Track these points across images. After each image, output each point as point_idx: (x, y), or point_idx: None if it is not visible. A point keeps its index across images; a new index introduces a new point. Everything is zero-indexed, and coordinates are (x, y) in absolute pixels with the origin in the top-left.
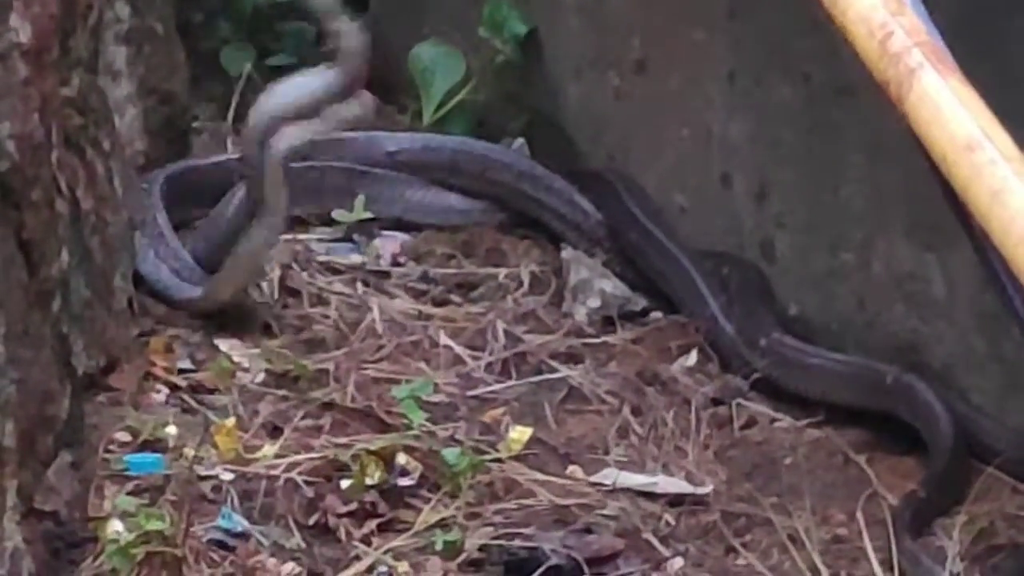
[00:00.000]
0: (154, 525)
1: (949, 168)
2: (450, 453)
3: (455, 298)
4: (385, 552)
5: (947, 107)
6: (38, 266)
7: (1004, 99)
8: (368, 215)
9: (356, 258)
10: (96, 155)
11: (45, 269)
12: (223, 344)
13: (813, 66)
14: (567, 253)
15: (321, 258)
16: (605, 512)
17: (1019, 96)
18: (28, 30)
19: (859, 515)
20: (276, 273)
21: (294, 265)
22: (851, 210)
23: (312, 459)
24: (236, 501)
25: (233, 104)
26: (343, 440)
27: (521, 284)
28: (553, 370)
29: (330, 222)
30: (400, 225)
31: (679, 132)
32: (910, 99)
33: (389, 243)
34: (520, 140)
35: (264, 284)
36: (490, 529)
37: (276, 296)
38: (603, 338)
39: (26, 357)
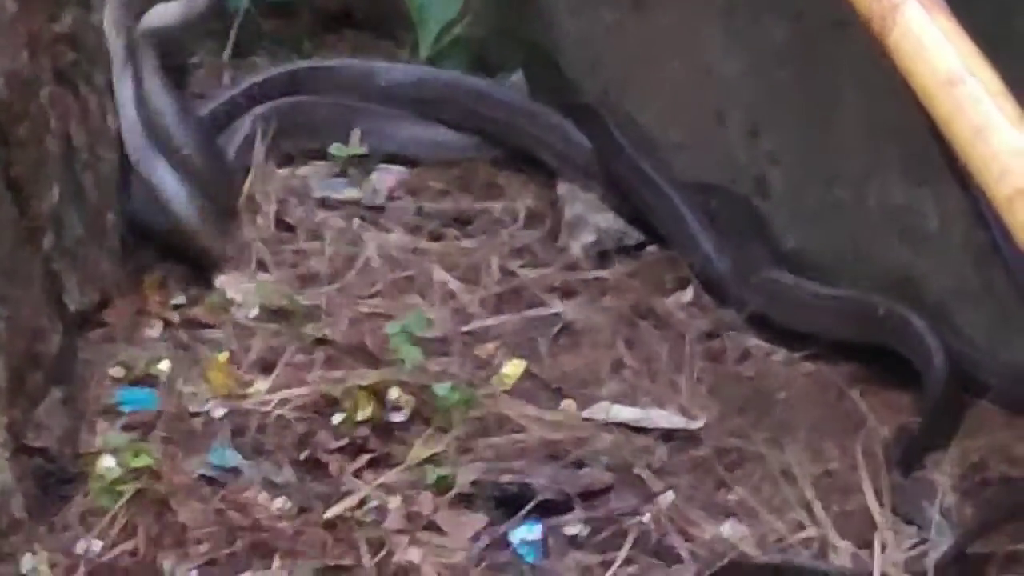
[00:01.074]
0: (141, 461)
1: (931, 103)
2: (442, 388)
3: (451, 232)
4: (376, 487)
5: (930, 42)
6: (28, 203)
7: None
8: (363, 150)
9: (351, 193)
10: (89, 91)
11: (35, 206)
12: (217, 280)
13: (806, 3)
14: (563, 188)
15: (316, 193)
16: (597, 447)
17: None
18: None
19: (852, 449)
20: (272, 208)
21: (289, 199)
22: (845, 146)
23: (304, 395)
24: (228, 437)
25: (231, 39)
26: (335, 375)
27: (517, 219)
28: (547, 305)
29: (325, 156)
30: (396, 159)
31: (674, 68)
32: (894, 34)
33: (385, 178)
34: (517, 74)
35: (259, 218)
36: (481, 464)
37: (272, 230)
38: (598, 272)
39: (15, 295)
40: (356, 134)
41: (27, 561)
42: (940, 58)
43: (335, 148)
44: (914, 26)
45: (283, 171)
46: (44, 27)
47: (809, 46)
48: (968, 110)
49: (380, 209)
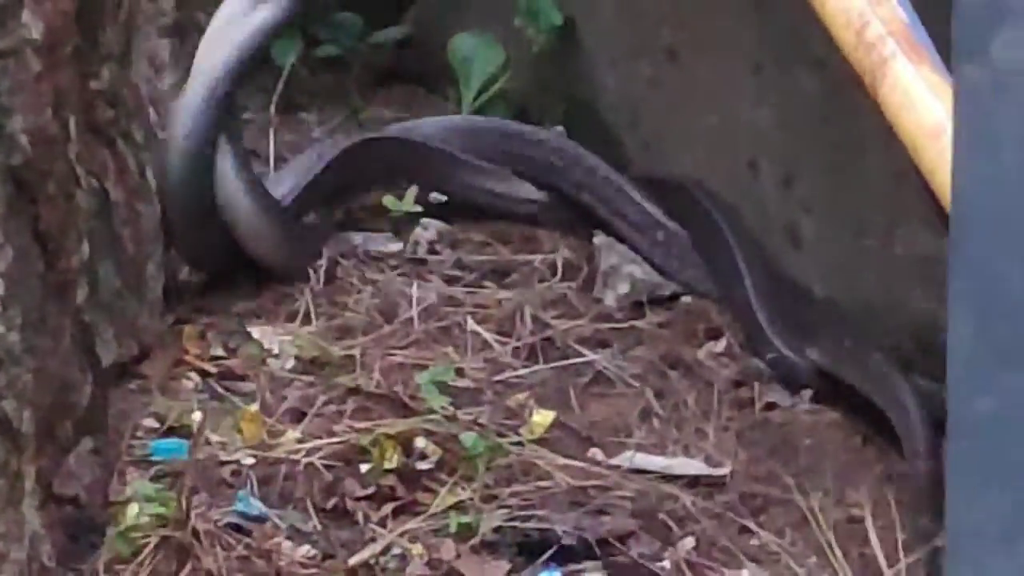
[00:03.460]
0: (167, 509)
1: (918, 155)
2: (468, 436)
3: (488, 284)
4: (400, 534)
5: (916, 95)
6: (56, 257)
7: None
8: (418, 208)
9: (394, 247)
10: (127, 147)
11: (64, 260)
12: (255, 331)
13: (830, 53)
14: (599, 239)
15: (361, 246)
16: (621, 494)
17: None
18: (40, 26)
19: (877, 496)
20: (324, 264)
21: (340, 258)
22: (872, 195)
23: (333, 443)
24: (255, 485)
25: (276, 93)
26: (365, 425)
27: (553, 270)
28: (579, 354)
29: (375, 211)
30: (439, 213)
31: (709, 119)
32: (883, 88)
33: (428, 231)
34: (559, 128)
35: (312, 273)
36: (505, 511)
37: (321, 285)
38: (631, 323)
39: (44, 346)
40: (412, 191)
41: None
42: (926, 110)
43: (389, 201)
44: (901, 80)
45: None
46: (72, 84)
47: (833, 97)
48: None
49: (421, 261)
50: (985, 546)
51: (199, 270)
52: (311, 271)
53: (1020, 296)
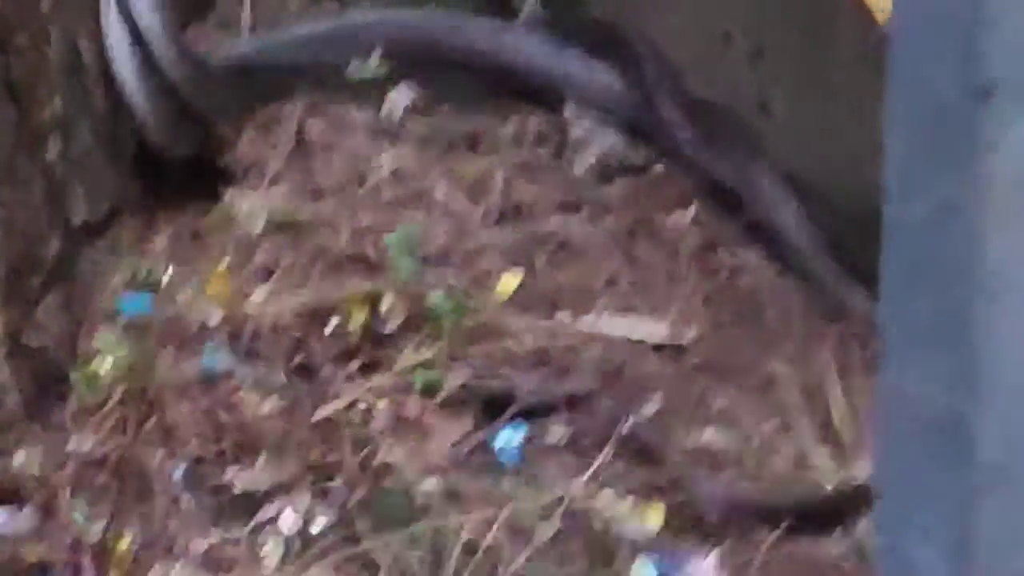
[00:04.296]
0: (122, 351)
1: None
2: (435, 296)
3: (458, 150)
4: (367, 391)
5: None
6: (28, 110)
7: None
8: (383, 71)
9: (368, 113)
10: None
11: (36, 112)
12: (226, 194)
13: None
14: (569, 109)
15: (332, 112)
16: (586, 356)
17: None
18: None
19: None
20: (293, 124)
21: (307, 118)
22: (843, 67)
23: (300, 303)
24: (223, 342)
25: None
26: (332, 285)
27: (524, 138)
28: (547, 221)
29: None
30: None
31: None
32: None
33: (401, 95)
34: (534, 1)
35: (281, 133)
36: (470, 370)
37: (289, 147)
38: (600, 190)
39: (12, 199)
40: (376, 55)
41: (19, 456)
42: None
43: (355, 68)
44: None
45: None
46: None
47: None
48: None
49: (394, 129)
50: (915, 344)
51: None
52: (280, 132)
53: (950, 100)
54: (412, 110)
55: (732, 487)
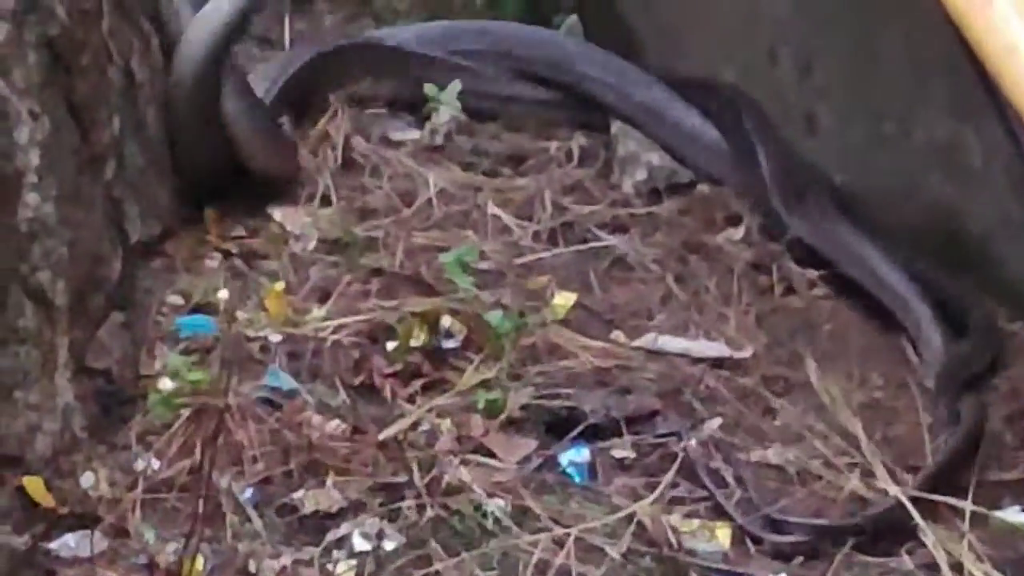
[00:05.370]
0: (196, 375)
1: (965, 24)
2: (494, 315)
3: (505, 170)
4: (429, 410)
5: None
6: (89, 131)
7: None
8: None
9: (413, 133)
10: (152, 28)
11: (97, 134)
12: (276, 212)
13: None
14: (616, 127)
15: (379, 132)
16: (646, 375)
17: None
18: None
19: (898, 378)
20: (340, 143)
21: (354, 137)
22: (891, 81)
23: (359, 321)
24: (283, 362)
25: None
26: (390, 304)
27: (571, 156)
28: (599, 239)
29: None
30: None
31: (725, 6)
32: None
33: (443, 116)
34: (573, 17)
35: (329, 152)
36: (531, 390)
37: (339, 164)
38: (649, 209)
39: (77, 219)
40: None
41: (87, 478)
42: None
43: (430, 89)
44: None
45: (352, 111)
46: None
47: None
48: (1000, 29)
49: (438, 148)
50: None
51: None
52: (329, 152)
53: None
54: (456, 131)
55: (798, 505)
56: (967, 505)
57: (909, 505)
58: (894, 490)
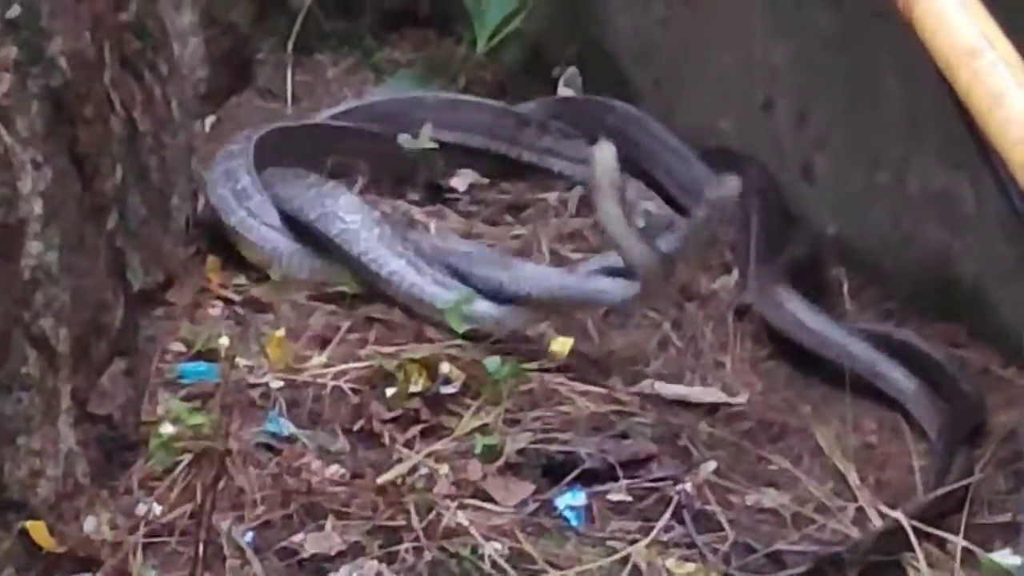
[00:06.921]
0: (199, 422)
1: (952, 74)
2: (491, 362)
3: (504, 219)
4: (427, 455)
5: (950, 16)
6: (92, 180)
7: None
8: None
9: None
10: (154, 79)
11: (100, 183)
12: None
13: None
14: None
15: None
16: (642, 420)
17: None
18: None
19: (892, 424)
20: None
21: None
22: (887, 131)
23: (358, 368)
24: (284, 407)
25: (293, 36)
26: (389, 350)
27: (567, 206)
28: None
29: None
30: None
31: (722, 58)
32: (916, 10)
33: (463, 181)
34: (572, 68)
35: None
36: (528, 434)
37: None
38: None
39: (80, 267)
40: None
41: (90, 522)
42: (960, 31)
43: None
44: (936, 1)
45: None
46: (108, 12)
47: (851, 33)
48: (986, 79)
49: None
50: None
51: None
52: None
53: None
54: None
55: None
56: (959, 540)
57: (907, 525)
58: (894, 514)
